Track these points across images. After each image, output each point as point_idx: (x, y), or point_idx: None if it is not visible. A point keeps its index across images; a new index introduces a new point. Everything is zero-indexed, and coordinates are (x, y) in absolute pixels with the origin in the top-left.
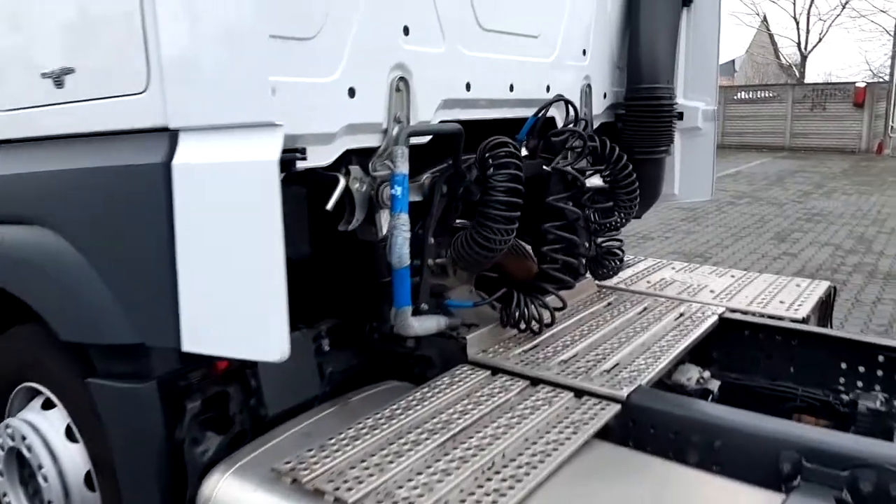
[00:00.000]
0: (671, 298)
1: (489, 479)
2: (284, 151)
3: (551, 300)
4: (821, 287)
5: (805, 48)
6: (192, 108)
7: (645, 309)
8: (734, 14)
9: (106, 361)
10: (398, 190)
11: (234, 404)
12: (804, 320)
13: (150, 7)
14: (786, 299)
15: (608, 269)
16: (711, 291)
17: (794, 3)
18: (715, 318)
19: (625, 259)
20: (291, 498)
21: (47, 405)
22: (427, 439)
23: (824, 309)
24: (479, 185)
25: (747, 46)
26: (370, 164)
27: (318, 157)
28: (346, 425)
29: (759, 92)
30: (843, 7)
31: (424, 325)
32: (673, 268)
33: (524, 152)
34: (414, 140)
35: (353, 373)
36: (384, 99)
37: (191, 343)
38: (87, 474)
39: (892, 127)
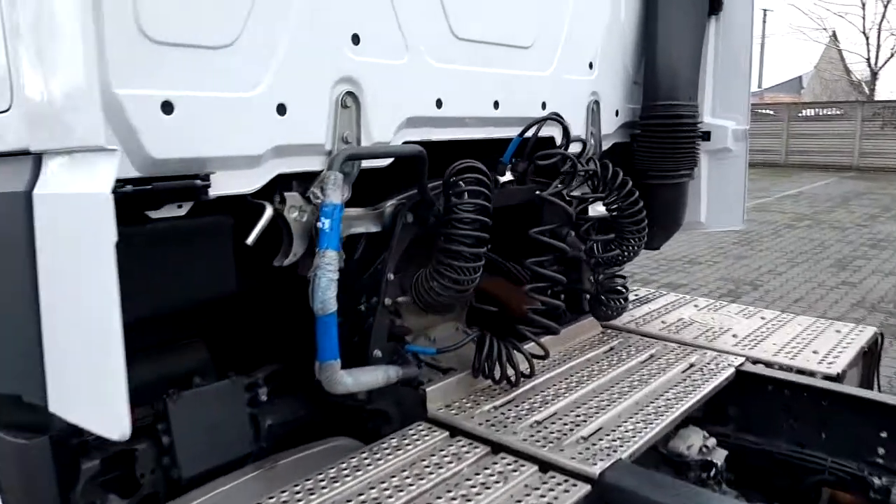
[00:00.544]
0: (684, 344)
1: None
2: (182, 178)
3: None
4: (865, 334)
5: (875, 64)
6: (47, 127)
7: (651, 357)
8: (800, 29)
9: (4, 411)
10: (326, 223)
11: (142, 464)
12: (839, 376)
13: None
14: (820, 349)
15: (610, 308)
16: (734, 336)
17: (864, 18)
18: (731, 370)
19: (648, 292)
20: None
21: None
22: None
23: (868, 361)
24: (447, 214)
25: (815, 62)
26: (310, 192)
27: (241, 184)
28: (267, 492)
29: (825, 109)
30: None
31: (362, 379)
32: (696, 305)
33: (508, 177)
34: (369, 164)
35: (297, 426)
36: (327, 117)
37: (55, 403)
38: None
39: None
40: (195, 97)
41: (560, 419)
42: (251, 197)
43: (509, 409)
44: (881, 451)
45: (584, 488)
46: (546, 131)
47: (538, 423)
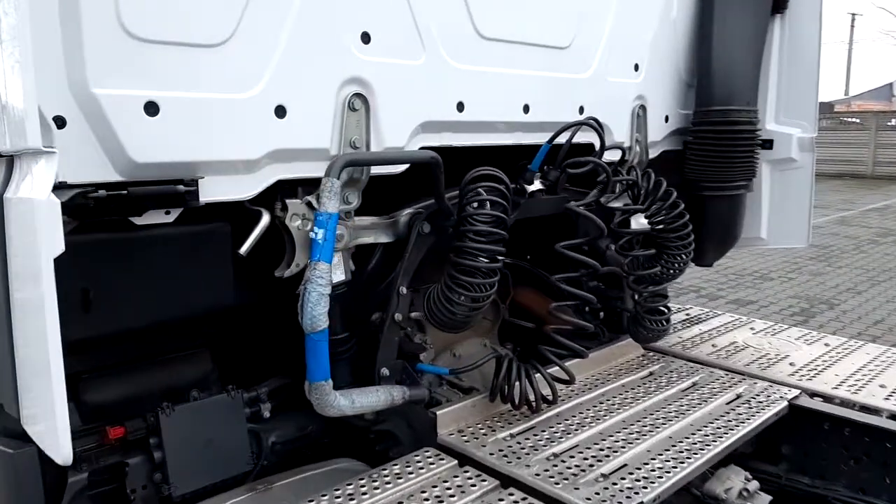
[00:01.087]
0: (733, 372)
1: None
2: (163, 183)
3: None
4: None
5: None
6: (10, 129)
7: (693, 385)
8: (891, 34)
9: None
10: (319, 233)
11: (133, 479)
12: None
13: None
14: (889, 383)
15: (648, 330)
16: (791, 364)
17: None
18: (783, 404)
19: (701, 311)
20: None
21: None
22: None
23: None
24: (461, 225)
25: None
26: (308, 199)
27: (235, 189)
28: None
29: None
30: None
31: (360, 401)
32: (752, 328)
33: (537, 185)
34: (382, 170)
35: (302, 444)
36: (332, 120)
37: (25, 418)
38: None
39: None
40: (183, 98)
41: (580, 452)
42: (250, 203)
43: (526, 439)
44: None
45: None
46: (585, 137)
47: (555, 455)
